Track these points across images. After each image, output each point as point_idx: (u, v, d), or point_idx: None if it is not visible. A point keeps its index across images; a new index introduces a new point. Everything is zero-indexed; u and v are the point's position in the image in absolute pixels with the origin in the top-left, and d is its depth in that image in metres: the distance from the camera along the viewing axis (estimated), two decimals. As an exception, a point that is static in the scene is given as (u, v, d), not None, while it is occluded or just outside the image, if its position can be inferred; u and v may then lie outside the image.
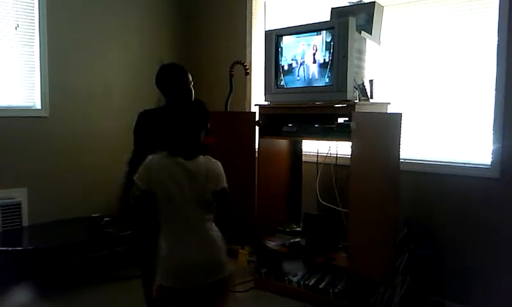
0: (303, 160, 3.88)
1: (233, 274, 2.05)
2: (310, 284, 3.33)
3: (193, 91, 2.94)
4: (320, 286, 3.28)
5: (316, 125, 3.34)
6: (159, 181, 1.92)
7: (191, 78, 2.94)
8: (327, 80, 3.16)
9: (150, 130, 2.65)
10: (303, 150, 3.89)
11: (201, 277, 1.93)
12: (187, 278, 1.92)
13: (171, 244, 1.94)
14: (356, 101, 3.12)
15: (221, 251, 1.99)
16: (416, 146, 3.36)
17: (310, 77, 3.27)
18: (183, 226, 1.94)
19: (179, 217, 1.94)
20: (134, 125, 2.88)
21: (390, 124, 2.86)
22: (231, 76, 4.17)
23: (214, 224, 2.00)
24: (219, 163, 2.02)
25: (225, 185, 1.98)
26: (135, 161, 2.34)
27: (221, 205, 1.98)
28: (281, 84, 3.43)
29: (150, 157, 1.97)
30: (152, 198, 1.93)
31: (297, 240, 3.51)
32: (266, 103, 3.55)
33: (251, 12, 4.37)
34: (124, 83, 4.46)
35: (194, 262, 1.91)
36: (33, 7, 3.80)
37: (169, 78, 2.83)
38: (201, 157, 1.98)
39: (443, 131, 3.29)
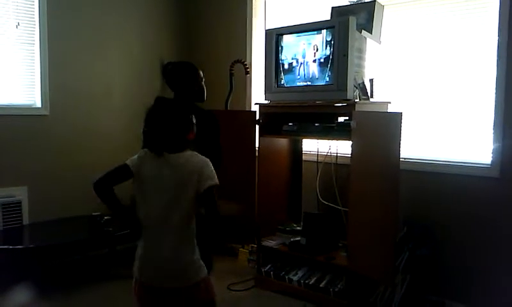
0: (303, 159, 3.88)
1: (202, 282, 1.93)
2: (311, 283, 3.34)
3: (205, 87, 2.95)
4: (320, 285, 3.28)
5: (316, 124, 3.34)
6: (144, 175, 1.91)
7: (202, 75, 2.95)
8: (327, 79, 3.16)
9: None
10: (303, 149, 3.89)
11: (163, 279, 1.91)
12: (151, 276, 1.93)
13: (144, 238, 1.94)
14: (356, 100, 3.12)
15: (186, 257, 1.92)
16: (416, 145, 3.36)
17: (311, 76, 3.27)
18: (155, 224, 1.91)
19: (152, 213, 1.91)
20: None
21: (390, 123, 2.86)
22: (231, 75, 4.17)
23: (189, 226, 1.92)
24: (205, 160, 1.91)
25: (210, 183, 1.86)
26: None
27: (206, 207, 1.90)
28: (282, 82, 3.43)
29: (146, 149, 1.95)
30: (126, 175, 1.93)
31: (297, 239, 3.51)
32: (266, 102, 3.55)
33: (252, 11, 4.37)
34: (124, 82, 4.46)
35: (157, 262, 1.90)
36: (34, 5, 3.80)
37: (181, 76, 2.84)
38: (186, 153, 1.91)
39: (443, 130, 3.29)
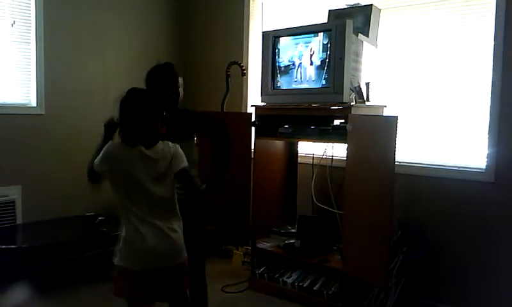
0: (299, 161, 3.88)
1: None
2: (305, 285, 3.33)
3: (181, 94, 2.86)
4: (314, 288, 3.28)
5: (312, 127, 3.35)
6: (117, 169, 2.04)
7: (181, 82, 2.87)
8: (323, 82, 3.16)
9: None
10: (299, 152, 3.89)
11: (155, 262, 2.04)
12: (142, 262, 2.04)
13: (129, 229, 2.04)
14: (352, 103, 3.13)
15: (176, 238, 2.07)
16: (411, 149, 3.37)
17: (307, 79, 3.27)
18: (140, 214, 2.02)
19: (136, 204, 2.02)
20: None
21: (385, 127, 2.86)
22: (227, 76, 4.17)
23: (174, 214, 2.10)
24: (177, 146, 2.11)
25: (184, 165, 2.08)
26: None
27: (184, 184, 2.12)
28: (278, 85, 3.43)
29: (108, 144, 2.10)
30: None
31: (291, 241, 3.51)
32: (262, 104, 3.55)
33: (249, 13, 4.37)
34: (120, 81, 4.42)
35: (149, 249, 2.01)
36: (30, 4, 3.79)
37: (157, 79, 2.76)
38: (160, 143, 2.07)
39: (438, 134, 3.30)
